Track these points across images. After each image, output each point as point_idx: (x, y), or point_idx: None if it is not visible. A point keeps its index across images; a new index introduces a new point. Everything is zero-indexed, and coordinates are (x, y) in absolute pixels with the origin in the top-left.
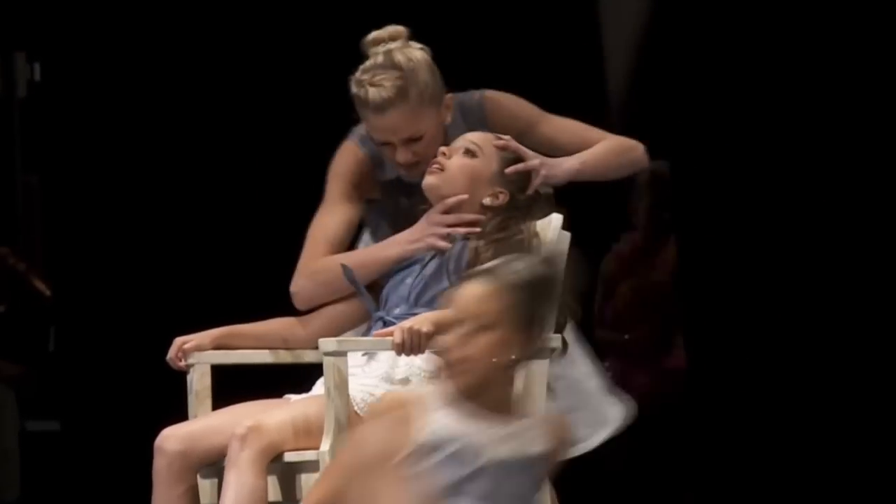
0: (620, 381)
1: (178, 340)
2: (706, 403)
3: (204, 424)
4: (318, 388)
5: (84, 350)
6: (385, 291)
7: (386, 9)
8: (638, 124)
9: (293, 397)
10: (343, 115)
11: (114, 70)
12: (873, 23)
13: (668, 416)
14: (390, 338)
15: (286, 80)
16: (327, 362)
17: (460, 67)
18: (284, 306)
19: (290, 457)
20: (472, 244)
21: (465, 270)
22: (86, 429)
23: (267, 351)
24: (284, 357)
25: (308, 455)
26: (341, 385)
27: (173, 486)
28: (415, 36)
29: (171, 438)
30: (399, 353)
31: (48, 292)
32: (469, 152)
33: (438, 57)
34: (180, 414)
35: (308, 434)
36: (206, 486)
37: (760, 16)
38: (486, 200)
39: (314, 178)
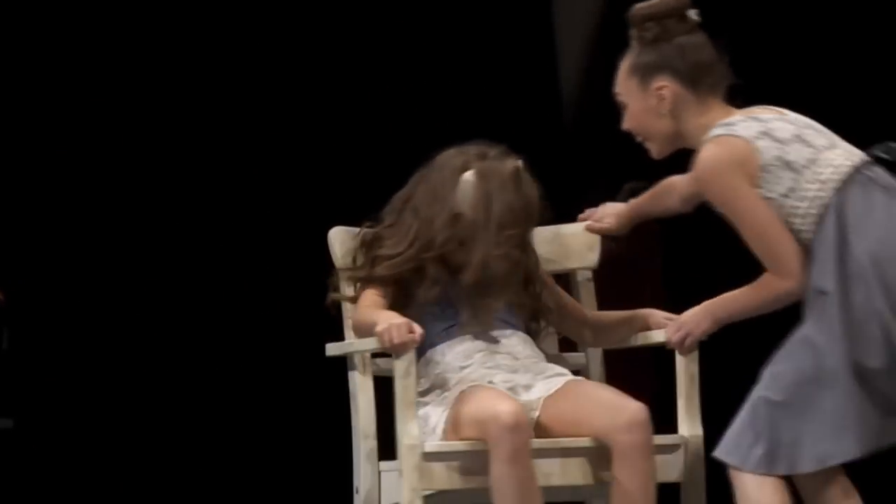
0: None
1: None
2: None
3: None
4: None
5: (37, 348)
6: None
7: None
8: (592, 127)
9: (496, 382)
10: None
11: (59, 68)
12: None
13: None
14: None
15: (254, 87)
16: None
17: (419, 68)
18: (240, 308)
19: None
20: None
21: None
22: (39, 426)
23: None
24: None
25: None
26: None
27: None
28: (370, 36)
29: (512, 414)
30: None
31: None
32: None
33: (402, 56)
34: (137, 410)
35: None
36: None
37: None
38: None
39: (267, 185)
